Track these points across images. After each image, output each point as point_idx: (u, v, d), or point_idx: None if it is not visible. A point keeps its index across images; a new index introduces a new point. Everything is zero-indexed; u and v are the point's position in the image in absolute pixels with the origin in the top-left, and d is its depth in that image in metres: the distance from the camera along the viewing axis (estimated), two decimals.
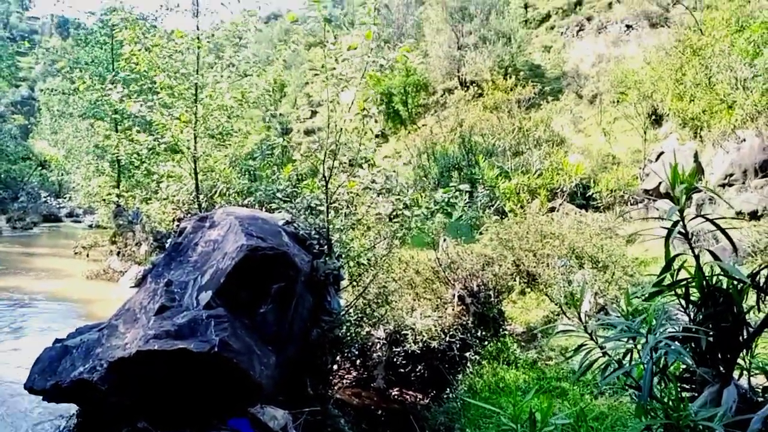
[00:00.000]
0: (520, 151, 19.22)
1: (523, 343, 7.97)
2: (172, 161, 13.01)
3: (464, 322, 8.20)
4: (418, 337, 8.00)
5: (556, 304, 8.66)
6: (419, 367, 8.25)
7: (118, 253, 17.41)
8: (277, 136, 22.28)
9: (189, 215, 8.06)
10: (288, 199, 7.49)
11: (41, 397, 6.38)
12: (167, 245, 7.57)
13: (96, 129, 16.78)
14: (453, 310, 8.32)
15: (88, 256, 19.00)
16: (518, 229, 9.70)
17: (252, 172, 13.78)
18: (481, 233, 10.49)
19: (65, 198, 28.13)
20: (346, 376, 8.94)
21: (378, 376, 8.39)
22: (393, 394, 8.85)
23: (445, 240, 8.74)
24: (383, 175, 6.92)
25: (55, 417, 6.90)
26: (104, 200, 19.11)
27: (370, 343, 8.42)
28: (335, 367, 8.31)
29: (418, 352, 8.01)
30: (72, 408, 6.87)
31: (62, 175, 32.22)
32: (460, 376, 7.65)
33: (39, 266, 17.65)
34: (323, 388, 7.08)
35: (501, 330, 8.32)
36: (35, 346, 7.78)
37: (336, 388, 8.46)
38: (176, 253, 6.90)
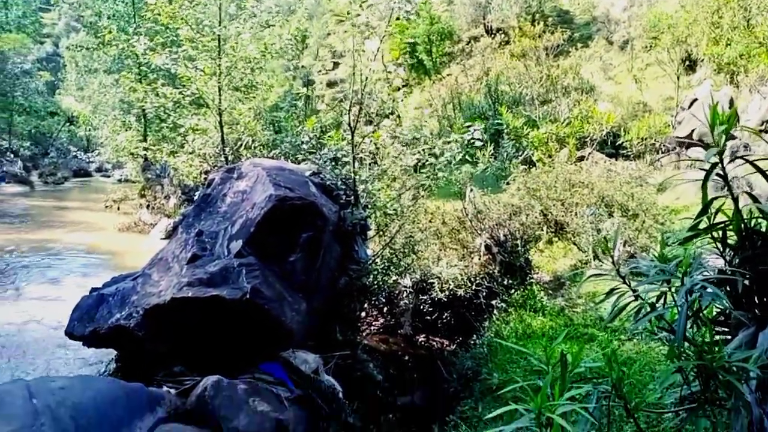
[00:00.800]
0: (549, 99, 18.73)
1: (550, 292, 7.99)
2: (197, 115, 13.06)
3: (491, 271, 8.23)
4: (444, 285, 8.06)
5: (584, 253, 8.61)
6: (445, 314, 8.36)
7: (148, 206, 17.72)
8: (301, 87, 22.11)
9: (216, 168, 8.12)
10: (313, 151, 7.48)
11: (81, 343, 6.68)
12: (196, 197, 7.67)
13: (121, 82, 16.80)
14: (479, 259, 8.35)
15: (118, 209, 19.32)
16: (546, 179, 9.56)
17: (277, 124, 13.74)
18: (507, 183, 10.38)
19: (93, 153, 28.61)
20: (373, 323, 9.12)
21: (405, 323, 8.54)
22: (419, 340, 9.01)
23: (471, 190, 8.68)
24: (411, 125, 6.84)
25: (96, 362, 7.20)
26: (132, 154, 19.33)
27: (396, 292, 8.53)
28: (363, 314, 8.48)
29: (445, 300, 8.09)
30: (111, 353, 7.18)
31: (90, 130, 32.66)
32: (486, 324, 7.73)
33: (72, 219, 18.06)
34: (352, 334, 7.24)
35: (528, 278, 8.34)
36: (73, 295, 8.09)
37: (364, 334, 8.66)
38: (206, 204, 7.00)
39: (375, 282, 7.42)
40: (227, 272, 5.58)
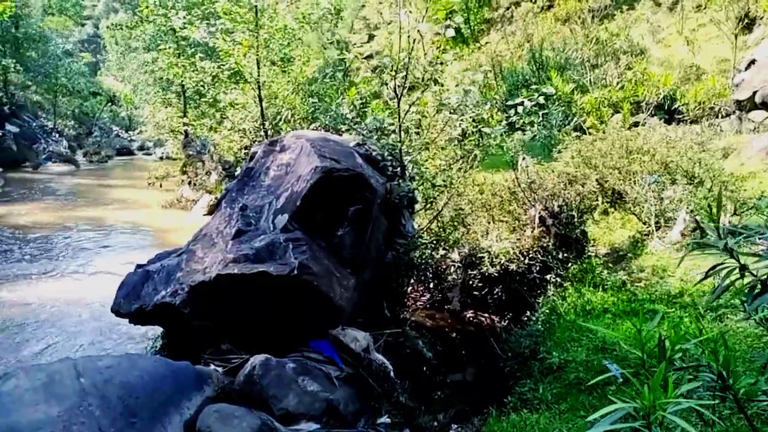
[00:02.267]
0: (598, 63, 17.83)
1: (610, 265, 7.54)
2: (236, 89, 12.90)
3: (544, 244, 7.81)
4: (495, 259, 7.70)
5: (644, 224, 8.10)
6: (496, 290, 8.02)
7: (190, 183, 17.81)
8: (341, 60, 21.70)
9: (257, 142, 7.89)
10: (357, 121, 7.18)
11: (127, 320, 6.63)
12: (239, 171, 7.48)
13: (160, 58, 16.77)
14: (532, 232, 7.93)
15: (161, 186, 19.56)
16: (601, 146, 9.01)
17: (316, 96, 13.46)
18: (559, 152, 9.85)
19: (134, 131, 28.96)
20: (420, 299, 8.87)
21: (453, 298, 8.24)
22: (468, 316, 8.72)
23: (524, 159, 8.22)
24: (461, 91, 6.45)
25: (142, 339, 7.17)
26: (173, 131, 19.41)
27: (444, 266, 8.22)
28: (408, 289, 8.22)
29: (495, 275, 7.74)
30: (158, 330, 7.13)
31: (131, 109, 33.11)
32: (540, 300, 7.36)
33: (117, 197, 18.38)
34: (400, 310, 7.00)
35: (584, 252, 7.89)
36: (119, 272, 8.09)
37: (410, 309, 8.41)
38: (249, 178, 6.79)
39: (422, 257, 7.12)
40: (274, 247, 5.37)
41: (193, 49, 15.91)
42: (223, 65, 12.57)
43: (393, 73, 6.67)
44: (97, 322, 7.75)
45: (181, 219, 14.99)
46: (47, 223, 13.80)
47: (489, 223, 8.47)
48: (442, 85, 7.27)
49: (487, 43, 34.34)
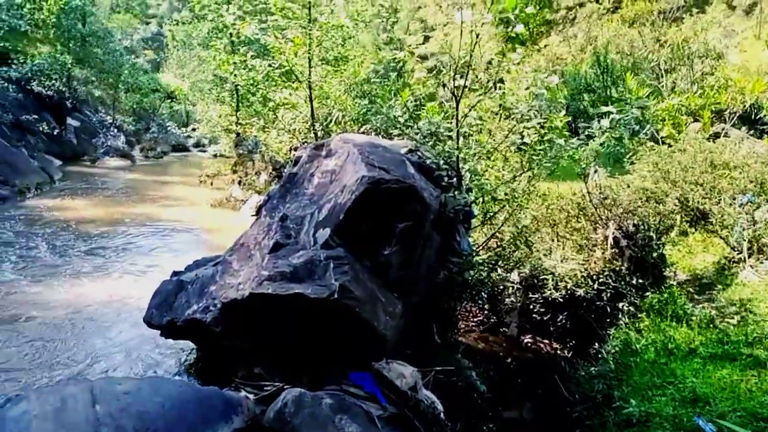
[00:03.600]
0: (671, 68, 16.57)
1: (694, 296, 6.64)
2: (287, 88, 12.53)
3: (616, 268, 6.98)
4: (560, 283, 6.93)
5: (734, 249, 7.13)
6: (560, 317, 7.23)
7: (240, 182, 17.62)
8: (394, 59, 21.12)
9: (303, 144, 7.36)
10: (410, 125, 6.54)
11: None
12: (283, 175, 6.99)
13: (212, 55, 16.65)
14: (603, 253, 7.11)
15: (212, 184, 19.47)
16: (681, 158, 8.06)
17: (368, 97, 12.91)
18: (632, 163, 8.92)
19: (188, 128, 29.26)
20: (472, 318, 8.16)
21: (511, 323, 7.51)
22: (525, 341, 7.97)
23: (596, 171, 7.38)
24: (529, 94, 5.72)
25: (175, 351, 6.76)
26: (225, 130, 19.31)
27: (501, 287, 7.49)
28: (460, 308, 7.54)
29: (560, 300, 6.97)
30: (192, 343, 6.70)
31: (187, 106, 33.56)
32: (612, 332, 6.53)
33: (168, 194, 18.36)
34: (451, 336, 6.32)
35: (663, 277, 7.00)
36: (162, 273, 7.74)
37: (462, 331, 7.73)
38: (291, 185, 6.27)
39: (479, 277, 6.42)
40: (313, 265, 4.80)
41: (245, 47, 15.67)
42: (275, 63, 12.25)
43: (452, 73, 6.00)
44: (131, 328, 7.41)
45: (229, 219, 14.75)
46: (97, 219, 13.77)
47: (553, 240, 7.69)
48: (503, 89, 6.56)
49: (546, 45, 33.06)
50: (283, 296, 4.60)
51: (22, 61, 22.95)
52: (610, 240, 6.83)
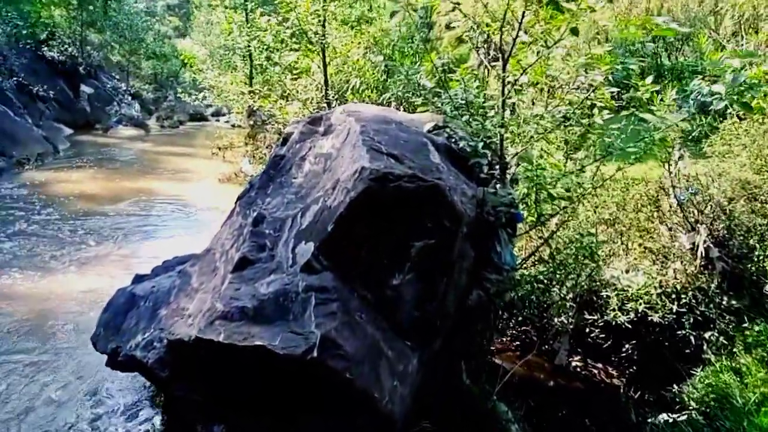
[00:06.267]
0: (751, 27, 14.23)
1: None
2: (296, 51, 10.96)
3: (703, 285, 5.29)
4: (627, 302, 5.29)
5: None
6: (626, 345, 5.59)
7: (253, 156, 16.20)
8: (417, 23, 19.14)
9: (298, 119, 5.69)
10: (438, 92, 4.89)
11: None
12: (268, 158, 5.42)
13: (225, 17, 15.14)
14: (684, 265, 5.42)
15: (224, 157, 18.18)
16: None
17: (389, 60, 11.20)
18: (710, 145, 7.10)
19: (199, 95, 27.94)
20: (505, 332, 6.58)
21: (560, 349, 5.89)
22: (574, 365, 6.39)
23: (681, 157, 5.62)
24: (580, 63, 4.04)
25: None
26: (236, 99, 17.84)
27: (548, 303, 5.85)
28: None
29: (628, 325, 5.32)
30: None
31: (196, 74, 32.15)
32: (699, 372, 4.89)
33: (176, 166, 17.16)
34: (486, 379, 4.75)
35: (764, 299, 5.30)
36: (151, 260, 6.52)
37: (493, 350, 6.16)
38: (276, 172, 4.70)
39: (522, 297, 4.82)
40: (286, 300, 3.25)
41: (259, 7, 14.08)
42: (285, 24, 10.71)
43: (498, 24, 4.30)
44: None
45: (235, 197, 13.35)
46: (93, 195, 12.57)
47: (612, 241, 6.00)
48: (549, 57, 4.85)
49: (588, 7, 30.46)
50: (239, 347, 3.07)
51: (32, 24, 21.72)
52: (701, 249, 5.11)
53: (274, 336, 3.05)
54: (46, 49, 21.95)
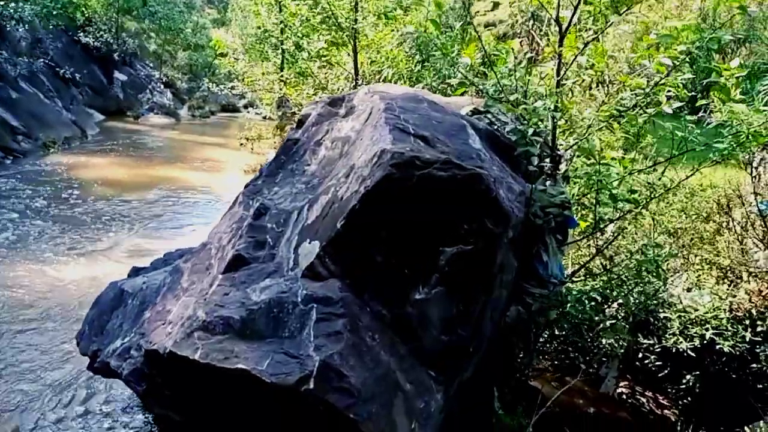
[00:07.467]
0: None
1: None
2: (328, 37, 10.37)
3: None
4: (690, 326, 4.50)
5: None
6: (688, 377, 4.79)
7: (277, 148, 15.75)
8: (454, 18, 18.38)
9: (318, 101, 5.04)
10: (482, 71, 4.18)
11: None
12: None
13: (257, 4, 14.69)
14: (760, 286, 4.61)
15: (252, 148, 17.86)
16: None
17: (424, 48, 10.51)
18: None
19: (228, 86, 27.70)
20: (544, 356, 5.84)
21: (607, 375, 5.13)
22: (622, 393, 5.61)
23: (764, 158, 4.79)
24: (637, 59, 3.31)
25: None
26: (265, 89, 17.41)
27: (598, 322, 5.08)
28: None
29: (690, 351, 4.52)
30: None
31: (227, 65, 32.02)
32: None
33: (203, 156, 16.91)
34: (523, 411, 4.03)
35: None
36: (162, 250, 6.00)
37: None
38: (288, 157, 4.06)
39: (569, 316, 4.09)
40: (281, 311, 2.60)
41: None
42: (315, 10, 10.15)
43: None
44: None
45: None
46: (115, 181, 12.31)
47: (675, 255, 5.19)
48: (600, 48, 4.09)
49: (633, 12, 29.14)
50: (216, 368, 2.43)
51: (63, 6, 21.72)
52: None
53: (262, 358, 2.40)
54: (82, 34, 22.01)
